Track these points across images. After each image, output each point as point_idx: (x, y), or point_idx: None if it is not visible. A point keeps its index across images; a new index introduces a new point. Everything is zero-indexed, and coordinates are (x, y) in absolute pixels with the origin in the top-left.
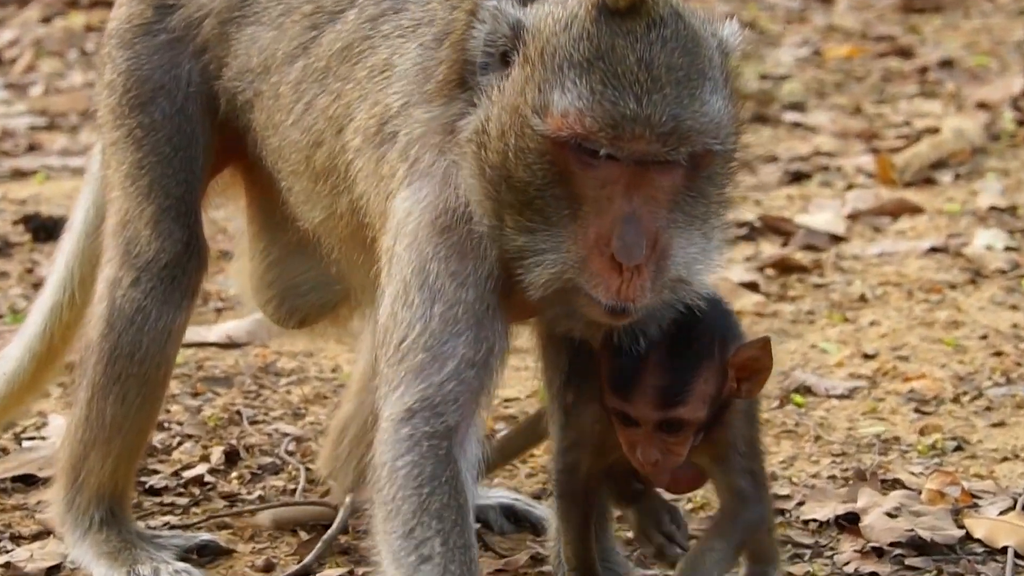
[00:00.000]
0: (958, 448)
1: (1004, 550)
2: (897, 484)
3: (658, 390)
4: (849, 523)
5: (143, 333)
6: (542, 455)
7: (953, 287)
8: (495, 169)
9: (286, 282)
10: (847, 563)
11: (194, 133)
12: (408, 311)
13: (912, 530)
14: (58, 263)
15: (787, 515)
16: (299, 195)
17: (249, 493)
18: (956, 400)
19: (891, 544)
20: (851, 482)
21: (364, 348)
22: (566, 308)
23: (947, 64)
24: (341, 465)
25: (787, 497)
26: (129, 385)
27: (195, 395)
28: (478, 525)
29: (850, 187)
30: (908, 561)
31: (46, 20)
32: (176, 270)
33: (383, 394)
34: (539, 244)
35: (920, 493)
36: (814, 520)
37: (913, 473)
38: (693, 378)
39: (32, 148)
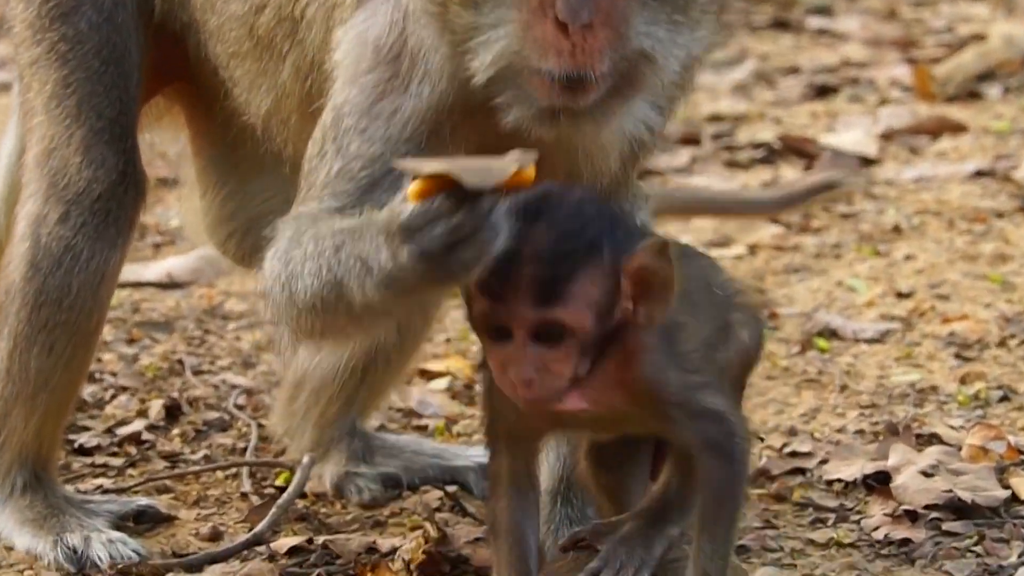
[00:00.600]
0: (1004, 398)
1: None
2: (934, 439)
3: (534, 281)
4: (879, 483)
5: (72, 275)
6: None
7: (1000, 216)
8: None
9: (248, 213)
10: (876, 528)
11: (126, 45)
12: (319, 160)
13: (950, 491)
14: None
15: (809, 474)
16: (243, 82)
17: (193, 452)
18: (1002, 344)
19: (926, 507)
20: (882, 437)
21: None
22: (517, 93)
23: None
24: (298, 422)
25: (809, 455)
26: (57, 334)
27: (131, 342)
28: (455, 488)
29: (883, 102)
30: (946, 526)
31: None
32: (111, 203)
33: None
34: (484, 19)
35: (960, 449)
36: (839, 480)
37: (952, 427)
38: (575, 273)
39: None
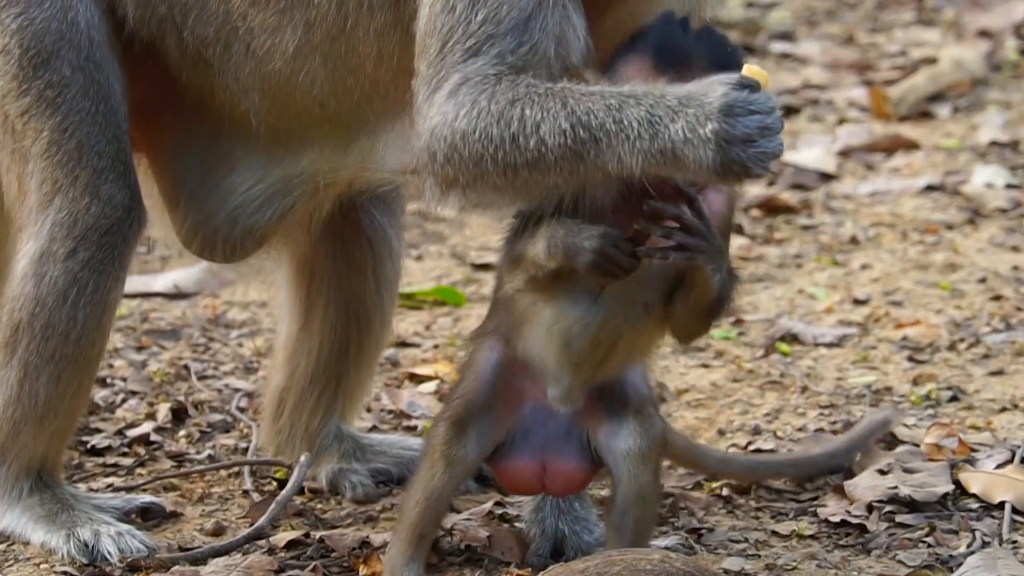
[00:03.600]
0: (953, 398)
1: (1001, 505)
2: (890, 437)
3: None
4: (836, 480)
5: (78, 308)
6: None
7: (950, 227)
8: None
9: (228, 209)
10: (832, 515)
11: (108, 80)
12: (447, 15)
13: (895, 487)
14: None
15: None
16: (258, 35)
17: (198, 453)
18: (952, 348)
19: (878, 502)
20: (840, 436)
21: (285, 314)
22: None
23: None
24: (286, 439)
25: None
26: (63, 365)
27: (140, 349)
28: None
29: (841, 122)
30: (899, 518)
31: None
32: (116, 237)
33: (425, 95)
34: None
35: (916, 446)
36: None
37: (906, 425)
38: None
39: None
